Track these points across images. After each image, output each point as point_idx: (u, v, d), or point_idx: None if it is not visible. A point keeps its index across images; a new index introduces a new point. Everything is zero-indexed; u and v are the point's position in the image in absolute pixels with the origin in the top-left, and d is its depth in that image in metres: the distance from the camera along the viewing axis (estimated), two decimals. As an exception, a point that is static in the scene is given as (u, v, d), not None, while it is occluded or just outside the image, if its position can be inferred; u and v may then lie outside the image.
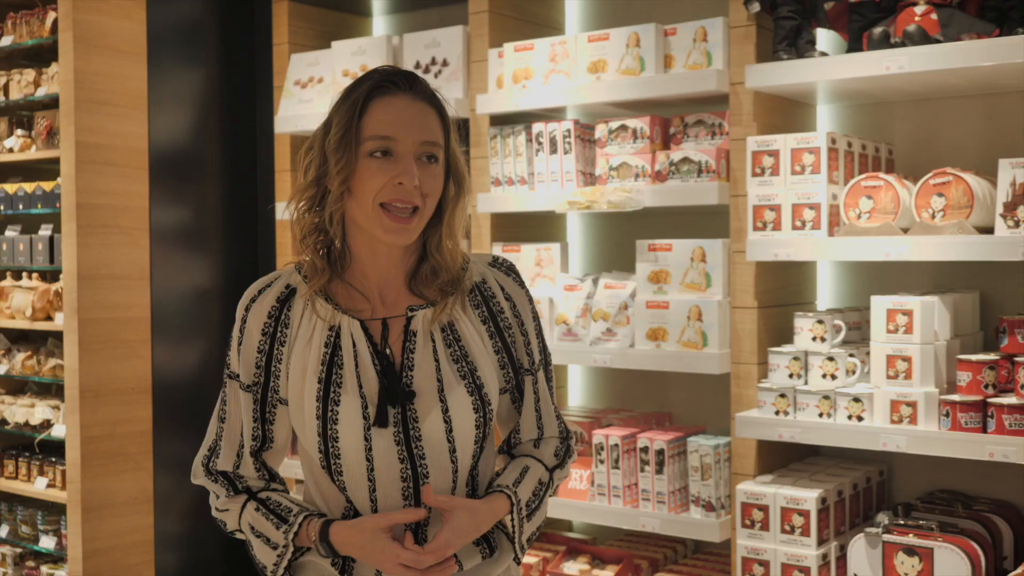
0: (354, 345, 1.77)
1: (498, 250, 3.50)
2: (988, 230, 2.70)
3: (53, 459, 4.10)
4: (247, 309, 1.80)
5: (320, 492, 1.82)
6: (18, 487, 4.20)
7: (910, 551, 2.68)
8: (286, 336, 1.78)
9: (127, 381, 3.94)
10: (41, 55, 4.20)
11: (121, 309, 3.92)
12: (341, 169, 1.71)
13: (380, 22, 4.35)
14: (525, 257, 3.47)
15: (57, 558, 4.17)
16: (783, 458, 3.13)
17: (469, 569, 1.83)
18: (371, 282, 1.81)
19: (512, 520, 1.83)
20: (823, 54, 2.95)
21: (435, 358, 1.78)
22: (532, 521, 1.87)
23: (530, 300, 1.91)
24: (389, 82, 1.75)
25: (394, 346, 1.78)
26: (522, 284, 1.91)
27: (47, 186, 4.05)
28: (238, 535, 1.86)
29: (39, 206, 4.08)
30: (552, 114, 3.48)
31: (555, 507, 3.32)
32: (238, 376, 1.82)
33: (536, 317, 1.92)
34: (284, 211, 3.95)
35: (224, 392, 1.85)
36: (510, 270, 1.91)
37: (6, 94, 4.23)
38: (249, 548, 1.84)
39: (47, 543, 4.13)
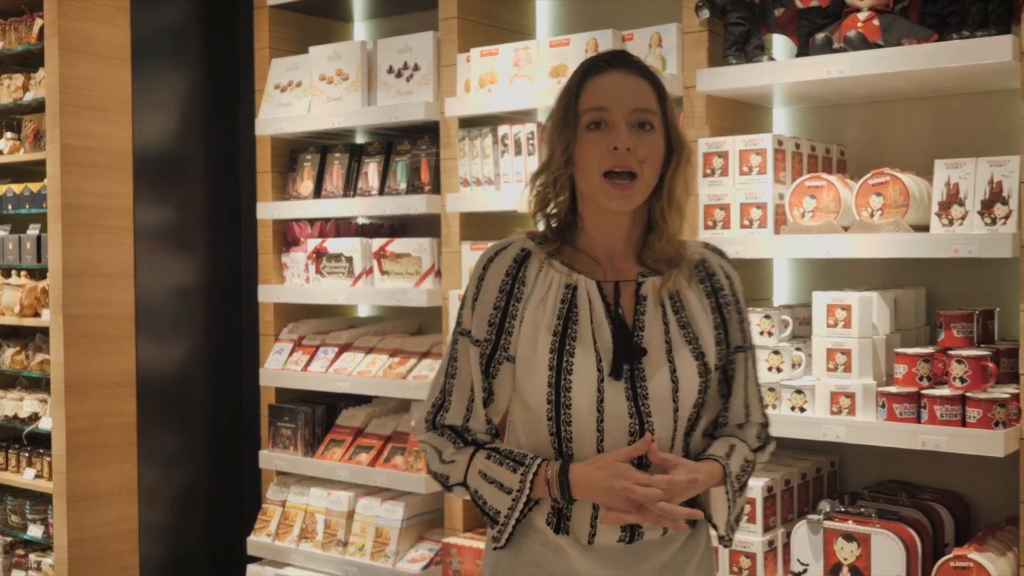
0: (589, 303, 1.87)
1: (467, 248, 3.61)
2: (925, 228, 2.81)
3: (41, 451, 4.23)
4: (485, 268, 1.91)
5: (534, 451, 1.90)
6: (7, 478, 4.33)
7: (849, 537, 2.79)
8: (522, 293, 1.88)
9: (112, 375, 4.07)
10: (30, 60, 4.32)
11: (106, 306, 4.05)
12: (563, 144, 1.85)
13: (360, 27, 4.47)
14: (492, 255, 3.58)
15: (45, 546, 4.29)
16: (737, 449, 3.23)
17: (669, 537, 1.92)
18: (600, 250, 1.91)
19: (727, 492, 1.90)
20: (771, 59, 3.05)
21: (664, 321, 1.88)
22: (741, 498, 1.95)
23: (741, 283, 2.00)
24: (600, 62, 1.88)
25: (625, 307, 1.88)
26: (734, 268, 2.01)
27: (35, 187, 4.18)
28: (456, 490, 1.92)
29: (27, 206, 4.22)
30: (519, 116, 3.57)
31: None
32: (470, 332, 1.91)
33: (745, 301, 2.01)
34: (264, 211, 4.10)
35: (454, 349, 1.94)
36: (724, 254, 2.01)
37: (-4, 98, 4.37)
38: (476, 499, 1.90)
39: (35, 532, 4.26)
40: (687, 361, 1.87)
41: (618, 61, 1.88)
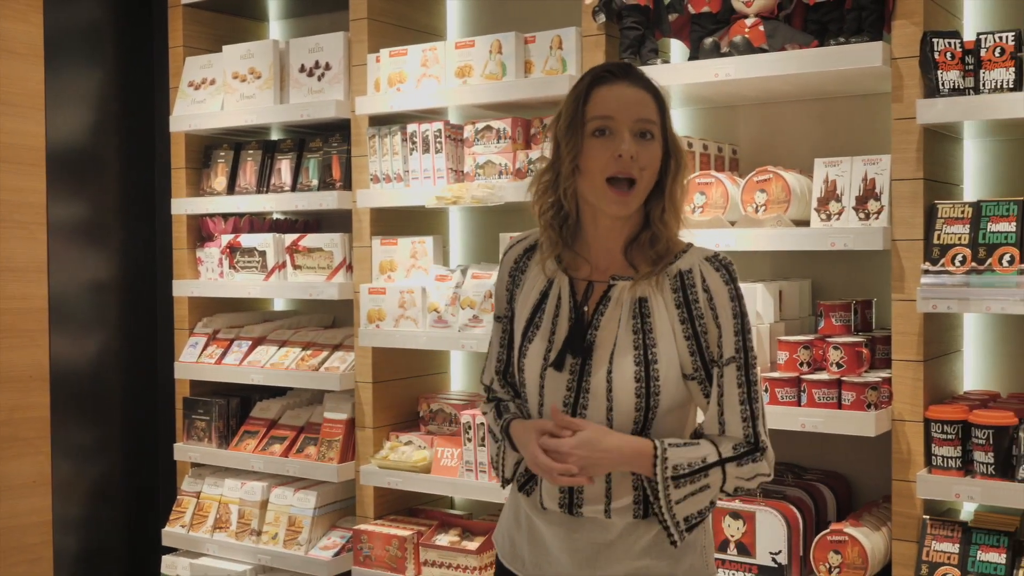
0: (559, 299, 2.05)
1: (377, 243, 3.72)
2: (806, 223, 2.98)
3: (-47, 445, 4.24)
4: (504, 255, 2.18)
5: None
6: (-81, 473, 4.33)
7: (735, 515, 2.95)
8: (520, 281, 2.13)
9: (25, 369, 4.09)
10: (-58, 56, 4.34)
11: (18, 300, 4.07)
12: (571, 150, 1.97)
13: (274, 27, 4.54)
14: (401, 249, 3.69)
15: (-43, 540, 4.31)
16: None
17: (621, 525, 2.01)
18: (592, 250, 2.05)
19: (654, 472, 1.91)
20: (665, 62, 3.20)
21: (618, 324, 1.98)
22: (679, 490, 1.92)
23: (734, 298, 1.98)
24: (607, 72, 2.00)
25: (591, 306, 2.02)
26: (728, 282, 1.99)
27: (-54, 182, 4.19)
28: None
29: (-61, 201, 4.22)
30: (426, 115, 3.68)
31: (433, 484, 3.55)
32: (495, 311, 2.20)
33: (740, 316, 1.98)
34: (179, 206, 4.16)
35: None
36: (722, 266, 2.01)
37: (-92, 93, 4.36)
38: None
39: (-53, 526, 4.27)
40: (625, 365, 1.95)
41: (624, 73, 2.00)
